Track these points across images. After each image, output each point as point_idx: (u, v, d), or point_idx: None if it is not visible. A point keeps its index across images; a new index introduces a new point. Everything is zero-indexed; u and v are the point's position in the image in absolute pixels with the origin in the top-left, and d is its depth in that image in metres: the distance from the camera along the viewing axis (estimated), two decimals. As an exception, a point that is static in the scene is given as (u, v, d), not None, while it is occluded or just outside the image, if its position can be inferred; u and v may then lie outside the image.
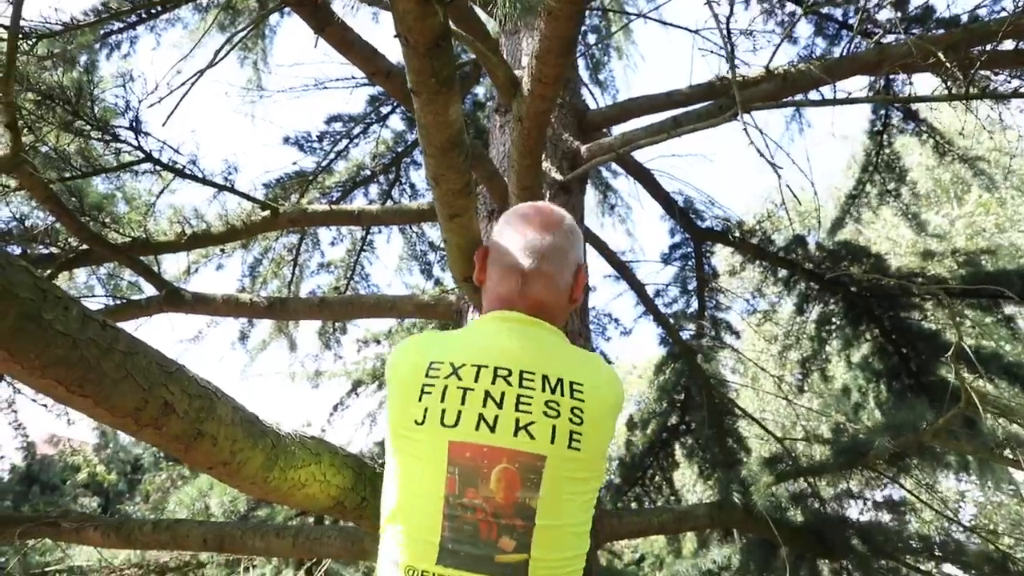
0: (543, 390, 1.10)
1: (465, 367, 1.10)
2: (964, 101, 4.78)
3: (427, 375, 1.11)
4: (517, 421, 1.07)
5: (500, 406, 1.07)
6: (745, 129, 1.91)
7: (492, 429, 1.06)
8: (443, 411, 1.07)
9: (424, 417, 1.07)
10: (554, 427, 1.08)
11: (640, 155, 4.60)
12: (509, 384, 1.10)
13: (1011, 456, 2.18)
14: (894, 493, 3.91)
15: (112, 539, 2.63)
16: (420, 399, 1.08)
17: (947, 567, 3.62)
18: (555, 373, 1.12)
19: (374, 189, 5.09)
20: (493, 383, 1.09)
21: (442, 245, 5.64)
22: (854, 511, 3.71)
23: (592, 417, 1.11)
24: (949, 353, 1.94)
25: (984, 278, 3.95)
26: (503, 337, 1.17)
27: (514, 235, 1.26)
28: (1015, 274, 4.16)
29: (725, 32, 2.18)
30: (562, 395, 1.11)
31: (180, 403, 1.11)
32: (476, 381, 1.09)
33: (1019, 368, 3.95)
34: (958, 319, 4.50)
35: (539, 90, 1.96)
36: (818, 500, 3.39)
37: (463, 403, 1.07)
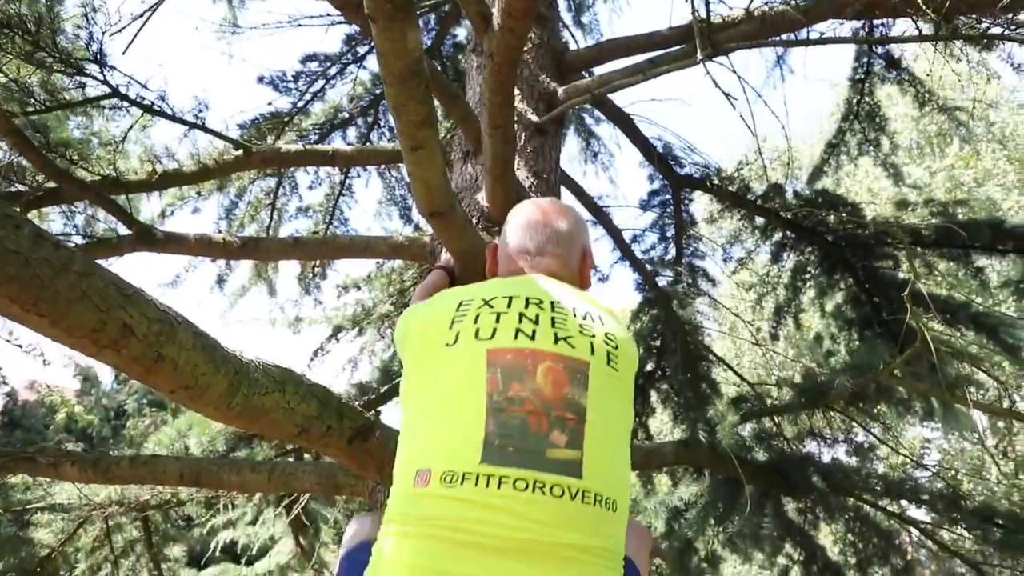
0: (574, 316, 1.09)
1: (496, 299, 1.10)
2: (946, 45, 4.76)
3: (457, 310, 1.10)
4: (555, 334, 1.04)
5: (536, 323, 1.05)
6: (708, 73, 1.89)
7: (531, 338, 1.03)
8: (477, 329, 1.05)
9: (456, 339, 1.05)
10: (592, 343, 1.06)
11: (620, 99, 4.57)
12: (542, 309, 1.08)
13: (963, 395, 2.25)
14: (859, 436, 4.04)
15: (89, 474, 2.67)
16: (451, 327, 1.07)
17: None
18: (584, 309, 1.13)
19: (352, 132, 5.01)
20: (526, 308, 1.08)
21: (422, 190, 5.61)
22: (820, 452, 3.83)
23: (623, 350, 1.12)
24: (904, 293, 1.98)
25: (956, 227, 4.00)
26: (529, 281, 1.18)
27: (519, 226, 1.31)
28: (985, 224, 4.21)
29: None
30: (593, 322, 1.11)
31: (139, 326, 1.12)
32: (509, 307, 1.08)
33: (986, 318, 4.03)
34: (918, 265, 4.59)
35: (509, 23, 1.94)
36: (783, 440, 3.50)
37: (497, 322, 1.05)
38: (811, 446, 3.67)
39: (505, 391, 0.95)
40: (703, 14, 3.33)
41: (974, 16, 3.26)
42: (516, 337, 1.02)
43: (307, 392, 1.50)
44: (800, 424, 3.12)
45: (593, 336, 1.07)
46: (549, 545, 0.88)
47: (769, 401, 2.96)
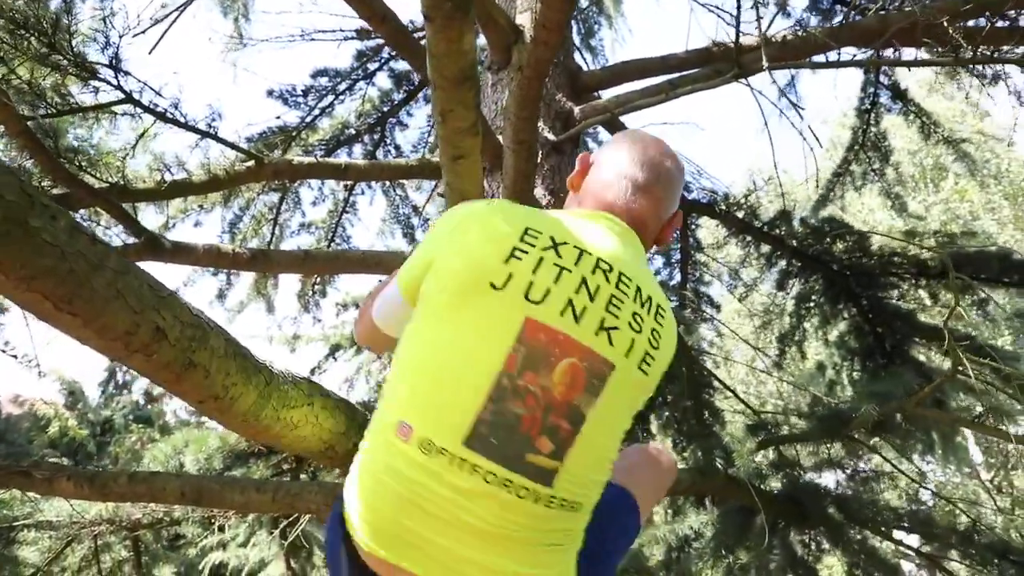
0: (634, 300, 1.00)
1: (567, 246, 0.98)
2: (953, 78, 4.79)
3: (522, 239, 0.95)
4: (603, 321, 0.96)
5: (592, 298, 0.96)
6: (750, 87, 1.87)
7: (577, 320, 0.94)
8: (531, 283, 0.93)
9: (506, 282, 0.92)
10: (633, 340, 0.98)
11: (631, 122, 4.55)
12: (607, 280, 0.98)
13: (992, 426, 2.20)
14: (864, 464, 3.98)
15: (85, 490, 2.57)
16: (507, 261, 0.93)
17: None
18: (646, 289, 1.03)
19: (358, 149, 4.98)
20: (593, 273, 0.97)
21: (425, 209, 5.58)
22: (826, 481, 3.77)
23: (664, 347, 1.04)
24: (945, 319, 1.94)
25: (963, 260, 3.99)
26: (607, 234, 1.05)
27: (632, 149, 1.16)
28: (993, 257, 4.22)
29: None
30: (648, 312, 1.02)
31: (172, 330, 1.06)
32: (576, 264, 0.97)
33: (990, 349, 4.01)
34: (924, 295, 4.58)
35: (542, 36, 1.91)
36: (795, 469, 3.43)
37: (555, 282, 0.94)
38: (820, 475, 3.61)
39: (517, 377, 0.90)
40: (723, 39, 3.35)
41: (990, 47, 3.28)
42: (563, 313, 0.93)
43: (335, 407, 1.44)
44: (818, 453, 3.06)
45: (639, 331, 1.00)
46: (501, 534, 0.90)
47: (786, 429, 2.90)
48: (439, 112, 1.28)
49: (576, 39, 5.37)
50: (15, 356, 3.40)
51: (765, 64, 1.90)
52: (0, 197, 0.82)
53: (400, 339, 1.01)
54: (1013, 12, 2.53)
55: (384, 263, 2.90)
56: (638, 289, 1.01)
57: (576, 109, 3.29)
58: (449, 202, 1.58)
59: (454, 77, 1.18)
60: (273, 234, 4.94)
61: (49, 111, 2.50)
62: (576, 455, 0.92)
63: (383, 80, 4.82)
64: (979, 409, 2.87)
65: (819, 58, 2.98)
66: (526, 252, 0.94)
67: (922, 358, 4.57)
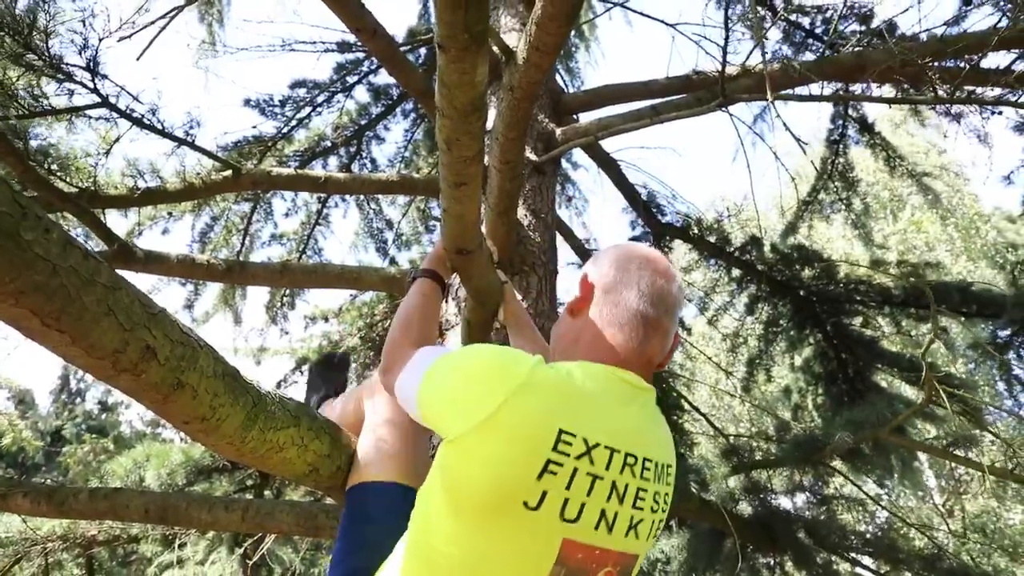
0: (655, 481, 1.00)
1: (599, 448, 0.93)
2: (916, 115, 4.94)
3: (555, 448, 0.90)
4: (631, 519, 0.96)
5: (621, 501, 0.95)
6: (731, 116, 1.90)
7: (610, 530, 0.93)
8: (566, 501, 0.90)
9: (540, 502, 0.88)
10: (653, 522, 1.01)
11: (607, 145, 4.59)
12: (633, 475, 0.96)
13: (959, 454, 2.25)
14: (826, 489, 4.04)
15: (43, 507, 2.46)
16: (540, 477, 0.89)
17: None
18: (664, 458, 1.03)
19: (333, 161, 4.94)
20: (621, 473, 0.95)
21: (399, 223, 5.54)
22: (787, 505, 3.81)
23: (671, 501, 1.06)
24: (922, 351, 1.99)
25: (926, 290, 4.10)
26: (630, 412, 1.01)
27: (641, 279, 1.09)
28: (954, 288, 4.35)
29: (723, 24, 2.17)
30: (664, 485, 1.02)
31: (162, 349, 1.02)
32: (607, 469, 0.93)
33: (955, 378, 4.13)
34: (884, 323, 4.70)
35: (535, 59, 1.91)
36: (766, 494, 3.47)
37: (588, 494, 0.91)
38: (789, 499, 3.66)
39: None
40: (703, 67, 3.41)
41: (959, 87, 3.40)
42: (597, 527, 0.92)
43: (320, 429, 1.40)
44: (790, 478, 3.09)
45: (657, 510, 1.01)
46: None
47: (749, 450, 2.94)
48: (444, 140, 1.27)
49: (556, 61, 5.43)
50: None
51: (769, 95, 1.94)
52: (-6, 209, 0.78)
53: (420, 524, 1.00)
54: (978, 56, 2.63)
55: (362, 279, 2.86)
56: (656, 466, 1.01)
57: (558, 131, 3.31)
58: (446, 225, 1.56)
59: (463, 108, 1.17)
60: (243, 244, 4.85)
61: (21, 112, 2.42)
62: None
63: (361, 93, 4.79)
64: (941, 436, 2.95)
65: (802, 90, 3.05)
66: (561, 464, 0.90)
67: (884, 384, 4.68)
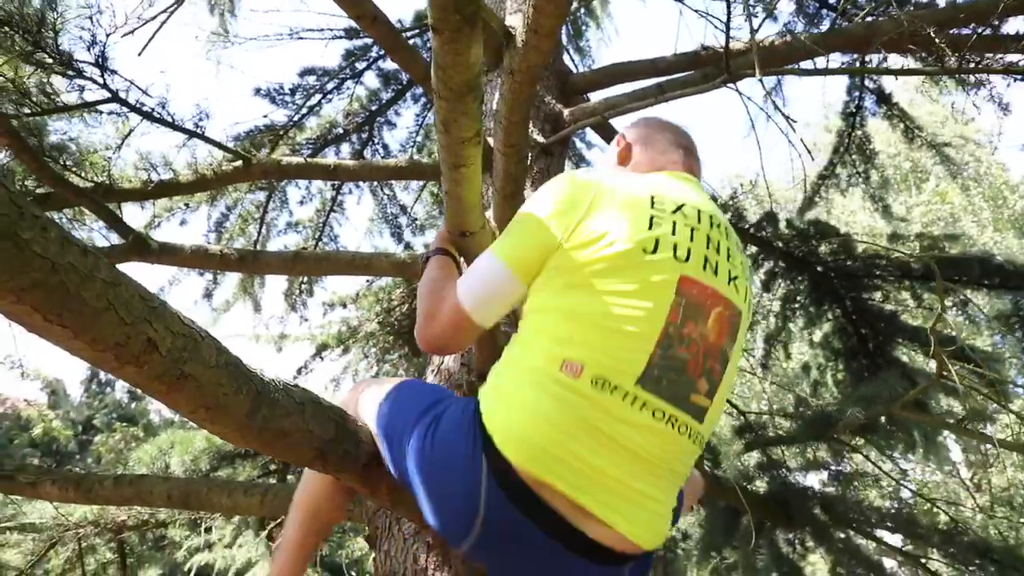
0: (738, 250, 1.13)
1: (687, 206, 1.09)
2: (937, 83, 4.83)
3: (653, 206, 1.06)
4: (729, 272, 1.08)
5: (718, 252, 1.07)
6: (739, 92, 1.88)
7: (715, 273, 1.06)
8: (675, 244, 1.03)
9: (656, 247, 1.02)
10: (746, 288, 1.11)
11: (619, 124, 4.56)
12: (722, 234, 1.10)
13: (971, 428, 2.24)
14: (846, 465, 4.02)
15: (71, 494, 2.55)
16: (650, 227, 1.04)
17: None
18: (736, 242, 1.16)
19: (346, 148, 4.96)
20: (711, 228, 1.09)
21: (413, 208, 5.55)
22: (809, 481, 3.80)
23: (751, 299, 1.16)
24: (930, 326, 1.97)
25: (946, 263, 4.04)
26: (694, 190, 1.18)
27: (668, 126, 1.35)
28: (975, 260, 4.26)
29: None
30: (740, 251, 1.16)
31: (163, 341, 1.05)
32: (699, 222, 1.08)
33: (972, 351, 4.08)
34: (906, 296, 4.63)
35: (534, 41, 1.90)
36: (781, 470, 3.46)
37: (692, 240, 1.05)
38: (805, 476, 3.65)
39: (681, 326, 1.00)
40: (712, 43, 3.36)
41: (974, 55, 3.32)
42: (704, 267, 1.04)
43: (326, 414, 1.43)
44: (804, 454, 3.09)
45: (742, 276, 1.12)
46: (662, 465, 1.01)
47: (771, 430, 2.93)
48: (441, 122, 1.27)
49: (564, 39, 5.38)
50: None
51: (757, 72, 1.91)
52: (-10, 210, 0.81)
53: (536, 302, 1.08)
54: (996, 22, 2.56)
55: (373, 265, 2.88)
56: (726, 230, 1.13)
57: (566, 111, 3.29)
58: (448, 208, 1.57)
59: (459, 88, 1.18)
60: (260, 233, 4.90)
61: (34, 110, 2.47)
62: (719, 395, 1.05)
63: (371, 79, 4.80)
64: (959, 411, 2.91)
65: (807, 64, 3.00)
66: (662, 217, 1.05)
67: (905, 359, 4.62)
